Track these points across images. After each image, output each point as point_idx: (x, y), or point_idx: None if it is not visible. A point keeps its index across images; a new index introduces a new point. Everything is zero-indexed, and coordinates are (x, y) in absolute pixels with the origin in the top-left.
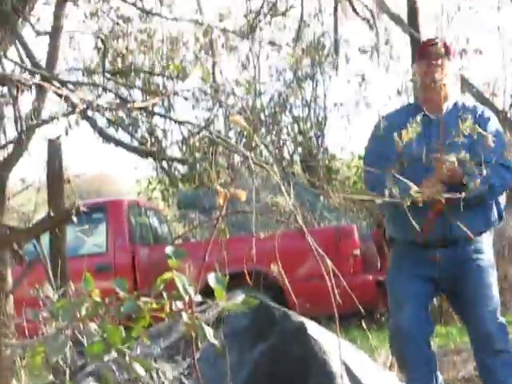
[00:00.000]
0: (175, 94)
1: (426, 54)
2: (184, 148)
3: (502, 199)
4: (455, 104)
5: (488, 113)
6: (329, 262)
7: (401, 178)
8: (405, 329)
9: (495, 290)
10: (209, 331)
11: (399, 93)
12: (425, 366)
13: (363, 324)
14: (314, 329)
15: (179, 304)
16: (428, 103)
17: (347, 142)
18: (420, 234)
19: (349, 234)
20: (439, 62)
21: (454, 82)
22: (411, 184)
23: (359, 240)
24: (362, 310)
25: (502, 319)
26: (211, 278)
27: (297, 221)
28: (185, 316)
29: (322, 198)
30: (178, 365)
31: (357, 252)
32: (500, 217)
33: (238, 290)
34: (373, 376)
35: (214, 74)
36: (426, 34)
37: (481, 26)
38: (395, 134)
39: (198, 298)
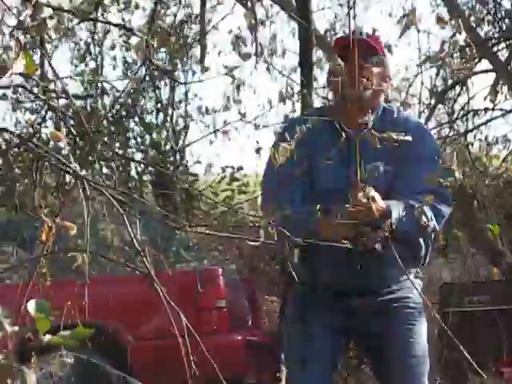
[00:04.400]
0: None
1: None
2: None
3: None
4: (383, 113)
5: (421, 130)
6: (182, 317)
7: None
8: None
9: (422, 351)
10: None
11: (283, 100)
12: None
13: None
14: None
15: None
16: (347, 116)
17: (215, 158)
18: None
19: (212, 279)
20: (365, 65)
21: (382, 86)
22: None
23: (225, 288)
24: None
25: None
26: (31, 305)
27: (143, 262)
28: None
29: (178, 232)
30: None
31: (222, 303)
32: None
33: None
34: None
35: (42, 66)
36: (318, 23)
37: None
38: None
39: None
